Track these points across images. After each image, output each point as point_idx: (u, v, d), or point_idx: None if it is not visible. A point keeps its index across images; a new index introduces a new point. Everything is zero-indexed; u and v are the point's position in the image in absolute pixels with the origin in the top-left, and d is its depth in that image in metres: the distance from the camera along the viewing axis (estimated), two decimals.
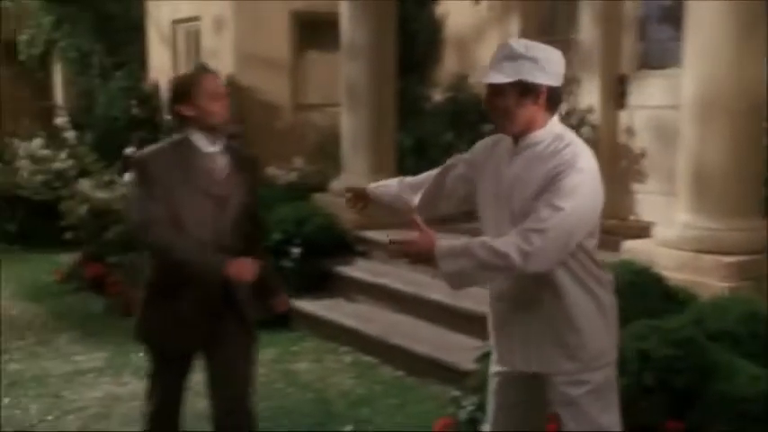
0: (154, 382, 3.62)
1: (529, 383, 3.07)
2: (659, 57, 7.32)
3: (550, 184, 2.73)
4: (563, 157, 2.77)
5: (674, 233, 5.13)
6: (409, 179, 3.42)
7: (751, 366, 3.68)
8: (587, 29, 7.78)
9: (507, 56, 2.81)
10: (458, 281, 2.79)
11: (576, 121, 7.44)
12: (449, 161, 3.27)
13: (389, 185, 3.47)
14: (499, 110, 2.84)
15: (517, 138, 2.88)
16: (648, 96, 7.25)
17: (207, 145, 3.34)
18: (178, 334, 3.41)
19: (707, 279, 4.82)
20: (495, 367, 3.17)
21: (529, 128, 2.85)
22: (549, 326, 2.88)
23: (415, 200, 3.30)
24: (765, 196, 5.28)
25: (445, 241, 2.78)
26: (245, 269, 3.25)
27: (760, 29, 4.96)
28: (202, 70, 3.37)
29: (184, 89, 3.33)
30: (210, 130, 3.32)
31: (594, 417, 2.88)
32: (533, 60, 2.79)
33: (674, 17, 6.95)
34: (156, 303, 3.42)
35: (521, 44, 2.85)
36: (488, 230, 2.96)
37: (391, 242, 2.85)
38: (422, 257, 2.80)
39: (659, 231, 5.32)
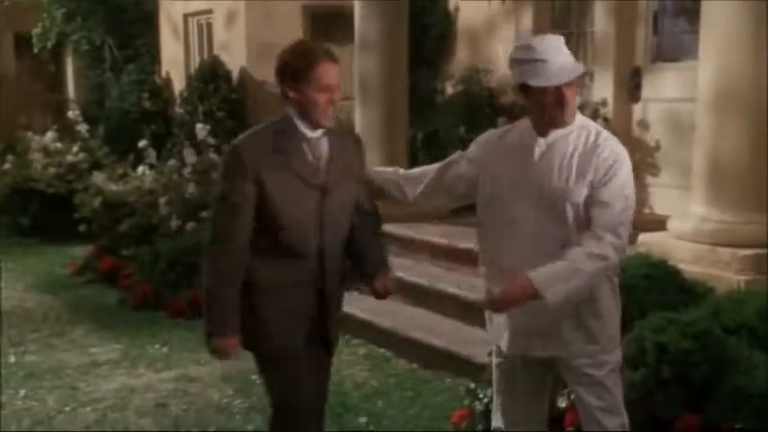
0: (285, 386, 3.18)
1: (535, 372, 3.17)
2: (673, 49, 7.30)
3: (608, 174, 2.84)
4: (605, 147, 2.89)
5: (689, 226, 5.12)
6: (406, 171, 3.44)
7: None
8: (601, 22, 7.77)
9: (566, 51, 2.89)
10: (566, 302, 2.83)
11: (589, 114, 7.42)
12: (451, 157, 3.28)
13: (385, 171, 3.50)
14: (569, 103, 2.90)
15: (546, 129, 2.93)
16: (662, 89, 7.23)
17: (309, 129, 2.99)
18: (293, 328, 3.10)
19: (723, 272, 4.82)
20: (497, 359, 3.25)
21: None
22: (574, 312, 2.93)
23: (415, 191, 3.31)
24: None
25: (536, 273, 2.78)
26: (225, 347, 3.03)
27: None
28: (323, 54, 2.94)
29: (295, 70, 2.94)
30: (309, 120, 2.98)
31: (617, 394, 3.03)
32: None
33: (688, 10, 6.93)
34: (264, 304, 3.07)
35: (560, 38, 2.92)
36: (505, 223, 2.98)
37: (488, 305, 2.91)
38: (524, 299, 2.82)
39: (675, 224, 5.31)
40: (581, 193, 2.86)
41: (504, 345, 3.14)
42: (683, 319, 3.83)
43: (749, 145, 4.94)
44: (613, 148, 2.91)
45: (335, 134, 3.09)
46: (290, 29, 10.44)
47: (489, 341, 3.33)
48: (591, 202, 2.85)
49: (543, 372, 3.19)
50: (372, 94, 7.70)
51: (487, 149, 3.11)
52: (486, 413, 4.12)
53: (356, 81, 7.91)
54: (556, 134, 2.93)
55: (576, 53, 8.45)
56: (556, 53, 2.86)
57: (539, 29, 8.78)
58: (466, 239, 6.81)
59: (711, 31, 5.07)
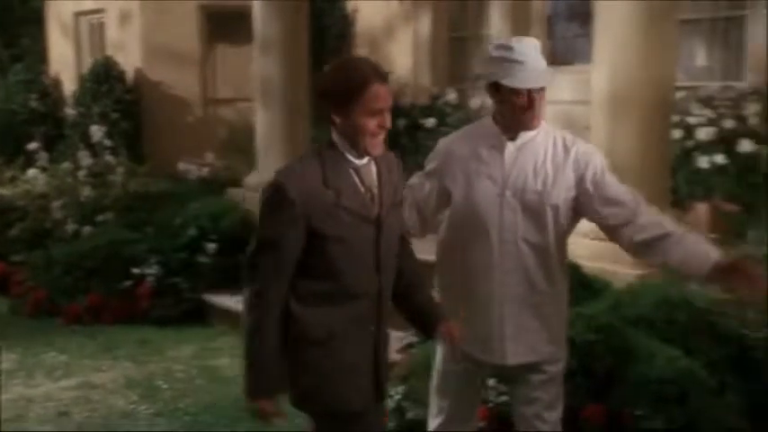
0: None
1: (483, 374, 3.25)
2: (567, 53, 7.54)
3: (598, 162, 2.94)
4: (578, 146, 2.97)
5: (588, 224, 5.27)
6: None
7: (668, 349, 3.85)
8: (497, 25, 7.95)
9: (541, 57, 2.91)
10: None
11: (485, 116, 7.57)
12: (409, 182, 3.19)
13: None
14: (538, 107, 2.90)
15: (514, 131, 2.94)
16: (556, 92, 7.35)
17: (356, 157, 2.66)
18: (352, 380, 2.72)
19: (619, 267, 4.98)
20: (451, 365, 3.19)
21: None
22: (545, 316, 3.00)
23: (411, 225, 3.20)
24: (672, 187, 5.51)
25: (715, 252, 2.87)
26: (263, 409, 2.65)
27: (669, 23, 5.16)
28: (373, 74, 2.60)
29: (342, 93, 2.59)
30: (357, 147, 2.64)
31: (560, 387, 3.10)
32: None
33: (581, 14, 7.18)
34: (318, 358, 2.69)
35: (538, 44, 2.94)
36: (476, 228, 2.95)
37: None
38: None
39: None
40: (560, 195, 2.91)
41: (479, 353, 3.06)
42: (585, 312, 3.97)
43: (642, 146, 5.13)
44: (584, 145, 2.99)
45: (378, 156, 2.76)
46: (187, 29, 10.33)
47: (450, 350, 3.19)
48: (598, 188, 2.91)
49: (481, 377, 3.26)
50: (273, 96, 7.65)
51: (448, 157, 3.05)
52: (398, 410, 4.18)
53: (256, 82, 7.86)
54: (524, 138, 2.93)
55: (473, 56, 8.69)
56: (532, 57, 2.85)
57: (436, 31, 8.95)
58: None
59: (605, 34, 5.21)
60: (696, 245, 2.88)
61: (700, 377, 3.77)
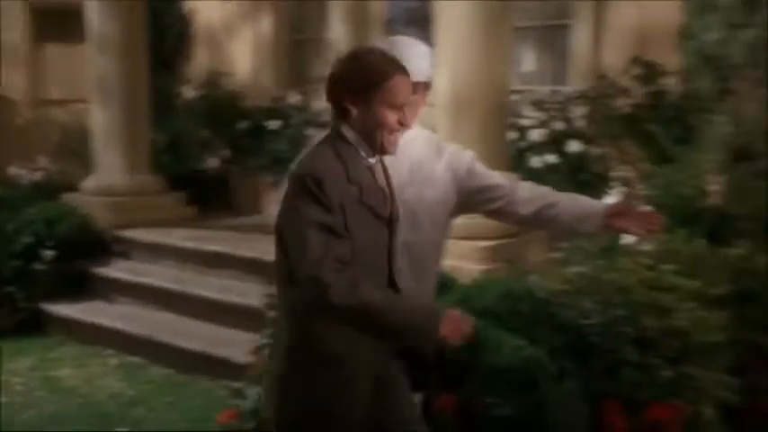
0: None
1: None
2: None
3: (472, 164, 2.98)
4: (446, 146, 3.01)
5: None
6: None
7: (513, 339, 4.04)
8: (337, 29, 8.04)
9: (420, 54, 2.88)
10: None
11: (327, 119, 7.65)
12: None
13: None
14: (416, 107, 2.86)
15: None
16: None
17: (369, 154, 2.52)
18: (345, 409, 2.49)
19: (464, 263, 5.19)
20: None
21: None
22: None
23: None
24: None
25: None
26: (458, 325, 2.47)
27: (506, 25, 5.39)
28: (395, 65, 2.47)
29: (363, 82, 2.42)
30: (373, 143, 2.50)
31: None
32: (428, 56, 2.93)
33: (419, 19, 7.37)
34: (308, 376, 2.46)
35: (418, 42, 2.93)
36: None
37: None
38: None
39: None
40: (435, 195, 2.93)
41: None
42: None
43: (483, 146, 5.18)
44: (453, 146, 3.06)
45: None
46: (12, 26, 9.84)
47: None
48: (474, 179, 2.96)
49: None
50: (111, 96, 7.43)
51: None
52: (255, 411, 4.18)
53: (92, 82, 7.59)
54: (406, 139, 2.86)
55: (314, 58, 8.74)
56: (405, 56, 2.76)
57: (277, 32, 8.96)
58: (213, 242, 6.81)
59: (446, 35, 5.35)
60: (581, 204, 3.03)
61: (544, 364, 3.97)
